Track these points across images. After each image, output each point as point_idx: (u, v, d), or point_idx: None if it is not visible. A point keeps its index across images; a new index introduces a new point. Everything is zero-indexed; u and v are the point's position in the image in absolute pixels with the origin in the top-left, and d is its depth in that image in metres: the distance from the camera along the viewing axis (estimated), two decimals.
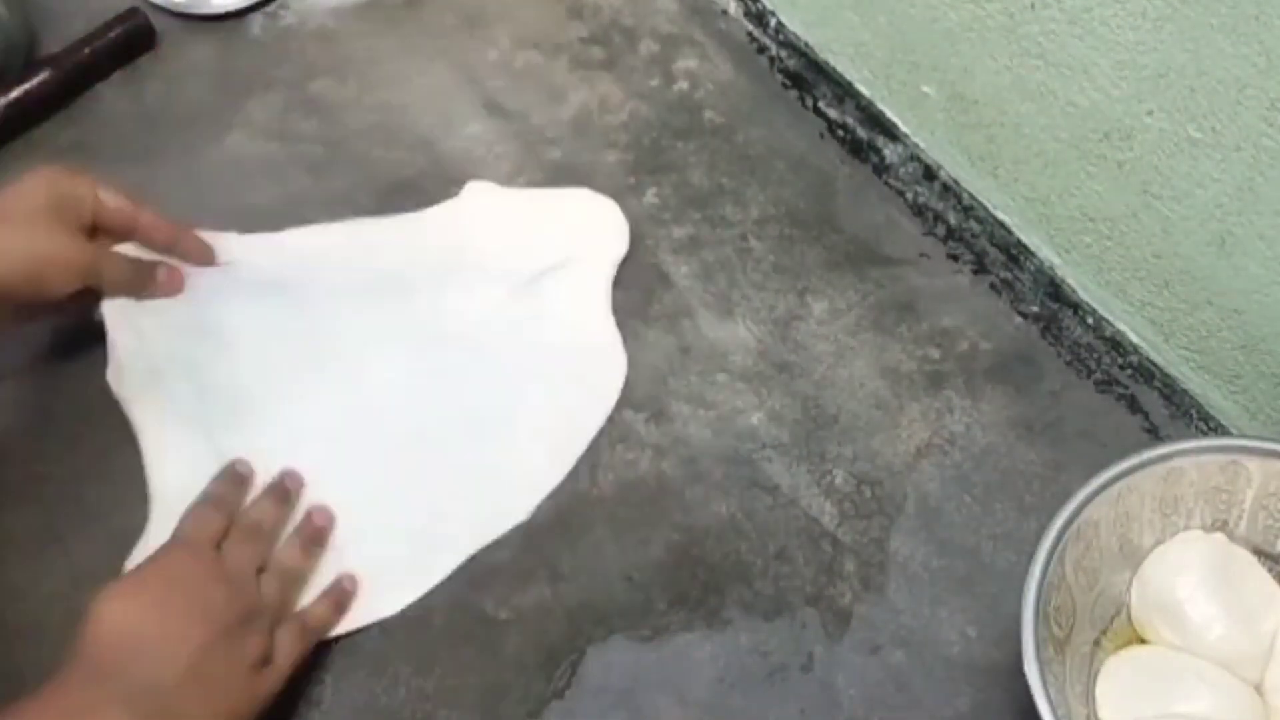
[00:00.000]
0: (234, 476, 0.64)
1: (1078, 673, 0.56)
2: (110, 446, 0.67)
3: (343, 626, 0.62)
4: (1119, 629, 0.59)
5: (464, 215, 0.77)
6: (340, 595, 0.63)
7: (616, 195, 0.79)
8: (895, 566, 0.65)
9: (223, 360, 0.69)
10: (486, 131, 0.82)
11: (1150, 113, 0.62)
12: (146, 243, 0.69)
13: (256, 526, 0.62)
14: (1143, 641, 0.59)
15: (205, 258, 0.71)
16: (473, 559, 0.65)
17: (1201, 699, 0.55)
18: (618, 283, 0.75)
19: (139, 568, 0.59)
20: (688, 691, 0.61)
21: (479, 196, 0.78)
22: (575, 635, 0.63)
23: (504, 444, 0.69)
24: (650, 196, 0.79)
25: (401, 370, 0.71)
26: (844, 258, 0.77)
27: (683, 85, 0.85)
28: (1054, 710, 0.50)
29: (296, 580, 0.62)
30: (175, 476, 0.66)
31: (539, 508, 0.67)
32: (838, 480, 0.68)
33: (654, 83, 0.85)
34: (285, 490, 0.65)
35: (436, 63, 0.86)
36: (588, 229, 0.77)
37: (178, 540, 0.60)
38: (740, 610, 0.64)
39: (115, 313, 0.68)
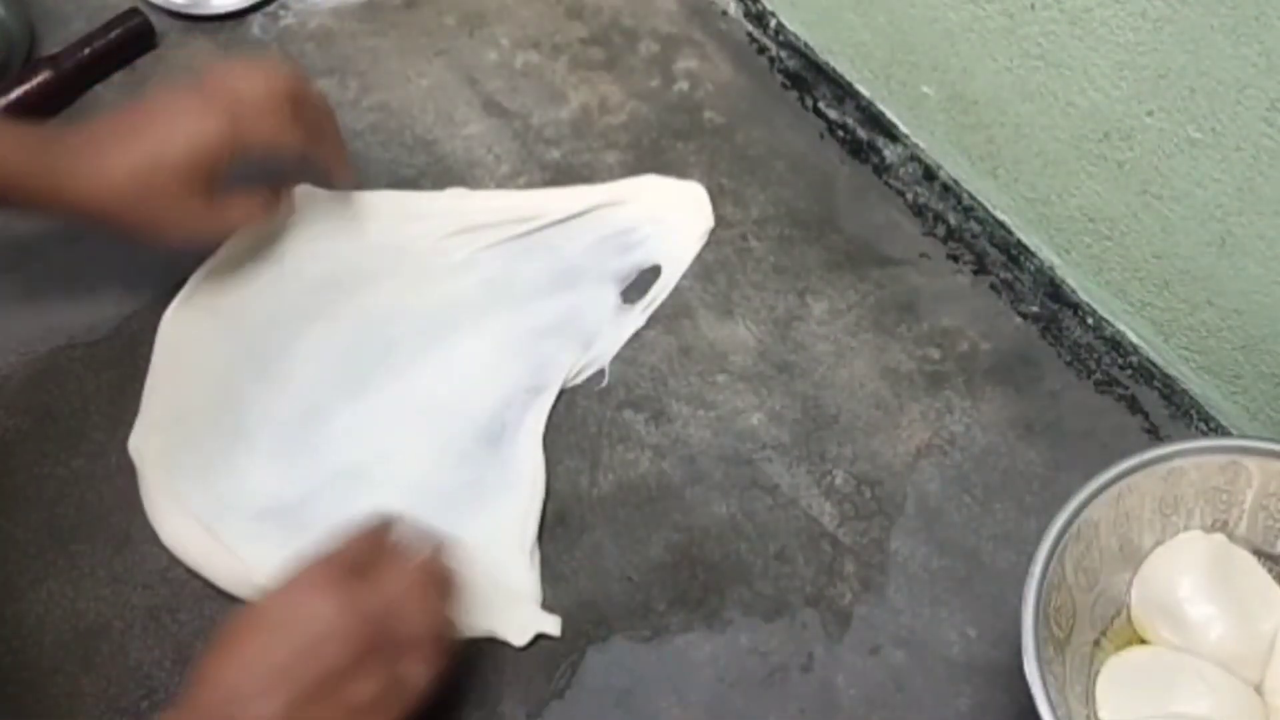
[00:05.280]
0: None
1: (1078, 673, 0.56)
2: (110, 446, 0.67)
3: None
4: (1119, 629, 0.59)
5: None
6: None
7: None
8: (895, 567, 0.65)
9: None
10: (486, 131, 0.82)
11: (1150, 113, 0.62)
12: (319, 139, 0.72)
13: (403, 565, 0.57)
14: (1143, 641, 0.59)
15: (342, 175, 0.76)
16: None
17: (1201, 699, 0.55)
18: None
19: (276, 598, 0.54)
20: (688, 691, 0.61)
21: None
22: (575, 635, 0.63)
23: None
24: None
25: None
26: (844, 258, 0.77)
27: (683, 85, 0.85)
28: (1054, 710, 0.50)
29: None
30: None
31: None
32: (838, 480, 0.68)
33: (654, 83, 0.85)
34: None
35: (436, 63, 0.86)
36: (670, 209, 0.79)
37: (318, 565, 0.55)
38: (740, 610, 0.64)
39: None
